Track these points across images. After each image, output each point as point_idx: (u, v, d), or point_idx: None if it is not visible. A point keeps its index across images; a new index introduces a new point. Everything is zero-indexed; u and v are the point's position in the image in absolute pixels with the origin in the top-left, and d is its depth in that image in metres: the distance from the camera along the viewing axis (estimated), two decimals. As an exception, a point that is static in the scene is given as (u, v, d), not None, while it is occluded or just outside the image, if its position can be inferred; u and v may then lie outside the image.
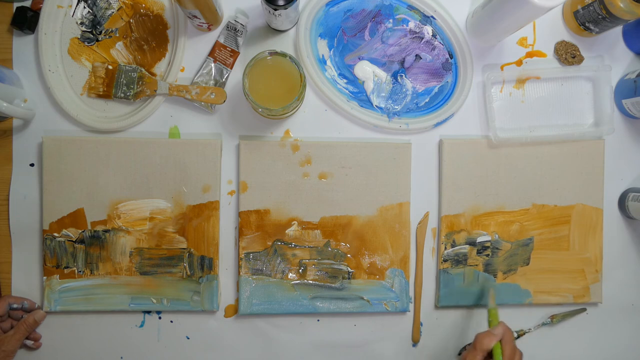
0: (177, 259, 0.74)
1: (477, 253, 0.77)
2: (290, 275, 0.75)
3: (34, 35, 0.74)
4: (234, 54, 0.74)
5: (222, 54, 0.74)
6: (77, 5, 0.73)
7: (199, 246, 0.74)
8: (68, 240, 0.73)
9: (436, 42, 0.76)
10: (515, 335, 0.78)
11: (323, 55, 0.75)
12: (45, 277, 0.73)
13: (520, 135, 0.76)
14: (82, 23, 0.74)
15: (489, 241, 0.77)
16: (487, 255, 0.77)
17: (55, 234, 0.73)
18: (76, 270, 0.73)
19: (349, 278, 0.75)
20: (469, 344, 0.78)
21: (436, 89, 0.76)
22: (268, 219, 0.75)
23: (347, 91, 0.76)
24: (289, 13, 0.68)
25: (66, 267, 0.73)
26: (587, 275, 0.78)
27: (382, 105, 0.76)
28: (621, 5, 0.68)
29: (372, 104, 0.76)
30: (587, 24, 0.74)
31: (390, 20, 0.75)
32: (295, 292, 0.75)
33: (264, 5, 0.66)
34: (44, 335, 0.75)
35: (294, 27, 0.75)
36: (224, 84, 0.74)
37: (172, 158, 0.74)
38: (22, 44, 0.74)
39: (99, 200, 0.73)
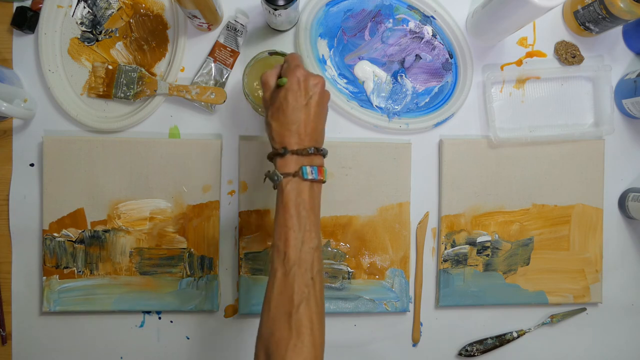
0: (177, 259, 0.74)
1: (477, 253, 0.77)
2: (290, 275, 0.75)
3: (34, 35, 0.74)
4: (234, 54, 0.74)
5: (222, 54, 0.74)
6: (77, 5, 0.73)
7: (199, 246, 0.74)
8: (68, 240, 0.73)
9: (436, 42, 0.76)
10: (516, 335, 0.78)
11: (323, 55, 0.75)
12: (44, 277, 0.73)
13: (520, 135, 0.76)
14: (82, 23, 0.74)
15: (489, 241, 0.77)
16: (487, 255, 0.77)
17: (55, 234, 0.73)
18: (76, 271, 0.73)
19: (349, 278, 0.75)
20: (469, 344, 0.78)
21: (436, 89, 0.76)
22: (268, 219, 0.75)
23: (347, 91, 0.76)
24: (289, 13, 0.68)
25: (66, 267, 0.73)
26: (587, 275, 0.78)
27: (382, 105, 0.76)
28: (621, 5, 0.68)
29: (372, 104, 0.76)
30: (587, 24, 0.74)
31: (390, 20, 0.75)
32: (295, 292, 0.75)
33: (264, 5, 0.66)
34: (43, 335, 0.75)
35: (294, 27, 0.75)
36: (224, 84, 0.74)
37: (172, 158, 0.74)
38: (22, 44, 0.74)
39: (99, 200, 0.73)
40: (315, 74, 0.60)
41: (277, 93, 0.59)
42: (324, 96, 0.60)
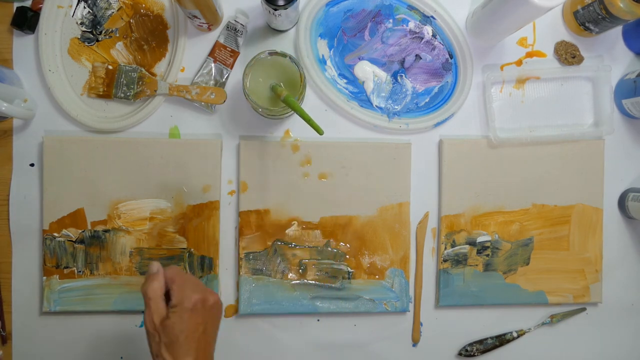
0: (177, 259, 0.74)
1: (477, 253, 0.77)
2: (290, 275, 0.75)
3: (34, 35, 0.74)
4: (234, 54, 0.74)
5: (222, 54, 0.74)
6: (77, 5, 0.73)
7: (199, 246, 0.74)
8: (68, 240, 0.73)
9: (436, 42, 0.76)
10: (516, 335, 0.78)
11: (323, 55, 0.75)
12: (45, 277, 0.73)
13: (520, 135, 0.76)
14: (82, 23, 0.74)
15: (489, 241, 0.77)
16: (487, 255, 0.77)
17: (55, 234, 0.73)
18: (76, 270, 0.73)
19: (349, 278, 0.75)
20: (469, 344, 0.78)
21: (436, 89, 0.77)
22: (268, 219, 0.75)
23: (347, 91, 0.76)
24: (289, 13, 0.68)
25: (66, 267, 0.73)
26: (587, 275, 0.78)
27: (382, 105, 0.76)
28: (621, 5, 0.68)
29: (372, 104, 0.76)
30: (587, 24, 0.74)
31: (390, 20, 0.75)
32: (295, 292, 0.75)
33: (264, 5, 0.66)
34: (43, 335, 0.75)
35: (294, 27, 0.75)
36: (224, 84, 0.74)
37: (172, 158, 0.74)
38: (22, 44, 0.74)
39: (99, 200, 0.73)
40: (208, 289, 0.53)
41: (171, 319, 0.50)
42: (220, 315, 0.55)
